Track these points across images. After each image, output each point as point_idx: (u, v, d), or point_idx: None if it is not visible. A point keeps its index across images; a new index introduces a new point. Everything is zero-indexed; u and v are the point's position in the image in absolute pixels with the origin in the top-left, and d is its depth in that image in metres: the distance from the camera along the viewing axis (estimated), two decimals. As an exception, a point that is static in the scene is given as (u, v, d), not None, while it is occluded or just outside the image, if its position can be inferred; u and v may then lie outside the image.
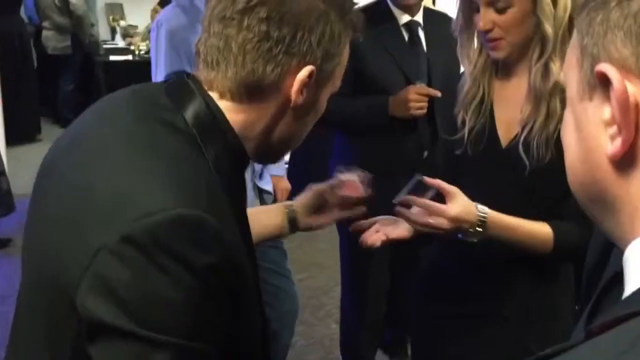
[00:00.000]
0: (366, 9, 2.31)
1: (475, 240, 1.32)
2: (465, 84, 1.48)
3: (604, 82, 0.47)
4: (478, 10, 1.37)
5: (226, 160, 0.86)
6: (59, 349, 0.80)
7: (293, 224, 1.30)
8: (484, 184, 1.48)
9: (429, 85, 2.26)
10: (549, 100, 1.34)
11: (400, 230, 1.41)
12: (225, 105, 0.87)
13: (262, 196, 2.29)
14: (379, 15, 2.26)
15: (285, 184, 2.40)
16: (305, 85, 0.86)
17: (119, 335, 0.71)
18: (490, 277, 1.46)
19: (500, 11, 1.33)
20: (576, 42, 0.52)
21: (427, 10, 2.34)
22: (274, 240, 1.35)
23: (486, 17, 1.34)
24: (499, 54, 1.39)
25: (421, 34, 2.32)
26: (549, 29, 1.30)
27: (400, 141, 2.30)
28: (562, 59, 1.32)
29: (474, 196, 1.49)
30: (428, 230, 1.32)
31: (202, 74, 0.88)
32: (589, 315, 0.71)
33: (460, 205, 1.29)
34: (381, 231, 1.40)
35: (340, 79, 0.94)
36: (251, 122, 0.88)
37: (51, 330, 0.81)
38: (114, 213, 0.74)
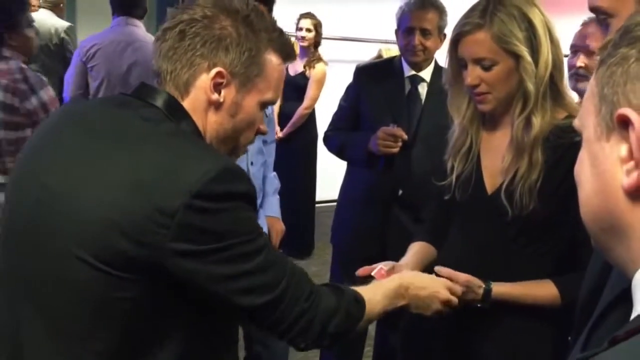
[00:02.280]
0: (382, 61, 2.91)
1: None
2: (455, 133, 1.56)
3: (623, 124, 0.55)
4: (466, 67, 1.45)
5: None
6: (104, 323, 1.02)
7: None
8: (470, 228, 1.54)
9: (416, 132, 2.44)
10: (530, 151, 1.42)
11: None
12: (189, 104, 1.10)
13: None
14: (390, 67, 2.59)
15: (280, 226, 2.44)
16: (219, 85, 1.08)
17: (216, 251, 1.01)
18: (474, 317, 1.49)
19: (487, 69, 1.42)
20: (595, 91, 0.59)
21: (437, 68, 2.54)
22: None
23: (473, 73, 1.43)
24: (485, 107, 1.47)
25: (423, 87, 2.52)
26: (530, 86, 1.39)
27: (377, 176, 2.50)
28: (543, 113, 1.41)
29: (461, 239, 1.55)
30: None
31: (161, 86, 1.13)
32: (585, 342, 0.76)
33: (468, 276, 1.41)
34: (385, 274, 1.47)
35: (266, 93, 1.14)
36: (198, 116, 1.11)
37: (95, 309, 1.01)
38: (175, 183, 0.98)
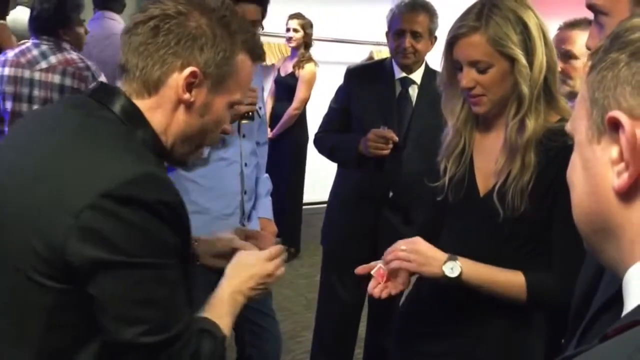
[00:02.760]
0: (373, 63, 2.90)
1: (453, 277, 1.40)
2: (448, 135, 1.57)
3: (614, 127, 0.56)
4: (461, 70, 1.46)
5: (150, 146, 1.06)
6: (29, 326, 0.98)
7: (195, 260, 1.41)
8: (462, 229, 1.55)
9: (406, 134, 2.45)
10: (523, 153, 1.43)
11: (398, 286, 1.48)
12: (139, 104, 1.07)
13: None
14: (380, 69, 2.59)
15: (272, 228, 2.42)
16: (191, 84, 1.06)
17: (113, 267, 0.94)
18: (465, 320, 1.51)
19: (482, 71, 1.42)
20: (586, 96, 0.61)
21: (428, 70, 2.55)
22: None
23: (468, 76, 1.43)
24: (480, 109, 1.48)
25: (414, 89, 2.53)
26: (525, 88, 1.40)
27: (368, 178, 2.51)
28: (537, 115, 1.42)
29: (453, 240, 1.55)
30: (399, 264, 1.42)
31: (120, 83, 1.10)
32: (577, 344, 0.76)
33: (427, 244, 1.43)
34: (387, 287, 1.47)
35: (235, 94, 1.12)
36: (156, 115, 1.08)
37: (19, 312, 0.98)
38: (87, 180, 0.94)
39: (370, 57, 5.43)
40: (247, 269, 1.27)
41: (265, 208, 2.40)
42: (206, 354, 1.08)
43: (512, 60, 1.40)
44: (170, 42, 1.04)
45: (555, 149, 1.39)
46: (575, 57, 2.15)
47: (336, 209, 2.66)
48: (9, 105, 2.69)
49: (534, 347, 1.54)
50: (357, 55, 5.53)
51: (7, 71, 2.71)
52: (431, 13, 2.46)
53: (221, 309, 1.19)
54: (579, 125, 0.62)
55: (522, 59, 1.39)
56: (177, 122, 1.09)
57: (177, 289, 1.02)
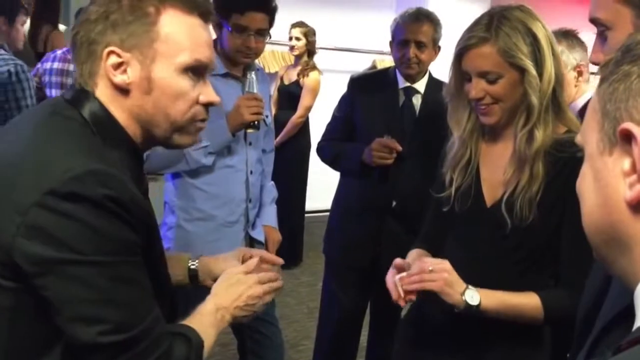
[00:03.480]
0: (376, 72, 2.96)
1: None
2: (454, 146, 1.56)
3: (626, 139, 0.56)
4: (470, 80, 1.46)
5: (118, 144, 1.04)
6: None
7: (194, 280, 1.39)
8: (469, 240, 1.54)
9: (409, 143, 2.44)
10: (532, 164, 1.43)
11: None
12: (101, 96, 1.04)
13: (254, 246, 2.30)
14: (384, 78, 2.59)
15: (277, 236, 2.43)
16: (120, 66, 1.01)
17: (62, 264, 0.91)
18: (469, 331, 1.50)
19: (492, 82, 1.42)
20: (597, 107, 0.61)
21: (432, 80, 2.56)
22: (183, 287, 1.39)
23: (478, 86, 1.43)
24: (489, 120, 1.47)
25: (417, 99, 2.53)
26: (534, 99, 1.40)
27: (372, 188, 2.50)
28: (545, 126, 1.42)
29: (459, 250, 1.54)
30: (421, 286, 1.37)
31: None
32: (586, 356, 0.76)
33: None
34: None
35: (180, 55, 1.03)
36: (116, 111, 1.05)
37: None
38: (35, 178, 0.92)
39: (373, 66, 5.44)
40: (235, 287, 1.24)
41: (269, 216, 2.40)
42: (178, 357, 1.04)
43: (522, 70, 1.40)
44: (89, 32, 1.02)
45: (563, 160, 1.40)
46: None
47: (339, 218, 2.66)
48: (55, 93, 3.13)
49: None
50: (360, 64, 5.54)
51: (55, 65, 3.27)
52: (435, 23, 2.47)
53: (203, 321, 1.16)
54: (589, 136, 0.62)
55: (532, 70, 1.39)
56: (130, 111, 1.04)
57: (138, 288, 0.98)
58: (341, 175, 2.71)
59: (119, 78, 1.02)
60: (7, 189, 0.93)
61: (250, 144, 2.23)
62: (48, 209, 0.90)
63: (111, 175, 0.95)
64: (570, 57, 2.17)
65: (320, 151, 2.70)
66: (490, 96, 1.43)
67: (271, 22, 2.15)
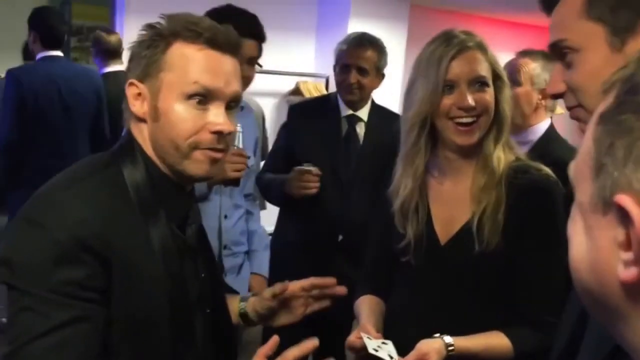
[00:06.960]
0: (317, 99, 2.80)
1: None
2: (401, 190, 1.47)
3: (623, 210, 0.47)
4: (450, 91, 1.37)
5: (145, 181, 1.07)
6: None
7: (246, 320, 1.36)
8: (423, 280, 1.46)
9: (356, 173, 2.33)
10: (497, 186, 1.38)
11: None
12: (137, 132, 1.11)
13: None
14: (326, 105, 2.46)
15: (262, 287, 2.12)
16: (137, 95, 1.08)
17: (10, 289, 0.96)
18: None
19: (480, 90, 1.38)
20: (592, 153, 0.51)
21: (374, 107, 2.44)
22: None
23: (471, 94, 1.37)
24: (470, 139, 1.39)
25: (361, 127, 2.41)
26: (507, 111, 1.40)
27: (313, 222, 2.36)
28: (507, 150, 1.41)
29: (413, 291, 1.47)
30: None
31: None
32: None
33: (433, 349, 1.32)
34: None
35: (184, 85, 1.05)
36: (145, 144, 1.10)
37: None
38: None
39: (297, 88, 5.34)
40: None
41: (260, 263, 2.19)
42: None
43: (498, 83, 1.40)
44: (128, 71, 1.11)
45: (521, 187, 1.37)
46: (519, 84, 2.11)
47: (281, 255, 2.45)
48: None
49: None
50: (283, 86, 5.42)
51: None
52: (380, 49, 2.38)
53: None
54: (582, 184, 0.52)
55: (508, 82, 1.41)
56: (150, 139, 1.09)
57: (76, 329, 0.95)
58: (280, 210, 2.55)
59: (137, 107, 1.08)
60: None
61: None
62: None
63: (85, 218, 0.97)
64: (540, 77, 2.09)
65: (257, 182, 2.52)
66: (480, 106, 1.38)
67: (260, 51, 1.97)
